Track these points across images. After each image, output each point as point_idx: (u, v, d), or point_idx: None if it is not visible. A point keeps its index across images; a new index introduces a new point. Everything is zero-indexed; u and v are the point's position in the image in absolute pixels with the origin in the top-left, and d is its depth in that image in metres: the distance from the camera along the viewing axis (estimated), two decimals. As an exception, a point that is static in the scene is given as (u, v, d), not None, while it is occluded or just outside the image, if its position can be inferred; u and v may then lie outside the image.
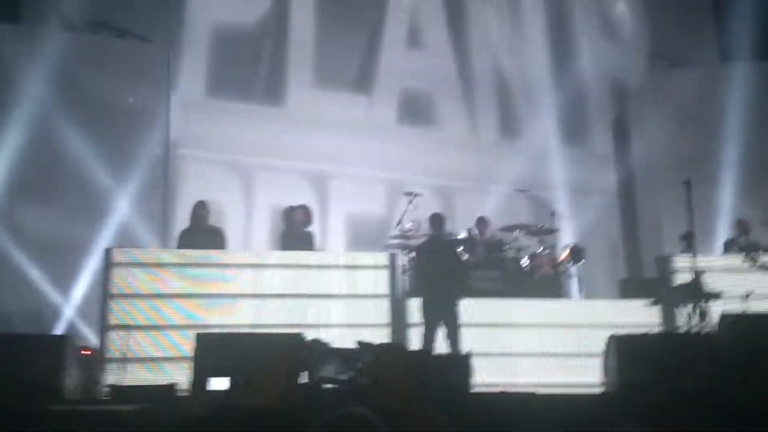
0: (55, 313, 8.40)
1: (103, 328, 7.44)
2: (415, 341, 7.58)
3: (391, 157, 10.97)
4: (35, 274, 8.65)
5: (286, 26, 11.08)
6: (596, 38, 12.57)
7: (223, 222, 8.68)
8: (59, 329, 8.43)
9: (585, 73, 12.35)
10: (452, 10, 11.95)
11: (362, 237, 10.53)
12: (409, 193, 9.60)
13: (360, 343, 1.70)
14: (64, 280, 8.87)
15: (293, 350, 1.72)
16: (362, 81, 11.26)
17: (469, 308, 7.80)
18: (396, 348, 1.75)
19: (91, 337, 7.48)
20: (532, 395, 5.76)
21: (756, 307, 6.93)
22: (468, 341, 7.46)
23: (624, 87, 12.51)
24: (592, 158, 12.19)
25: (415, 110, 11.38)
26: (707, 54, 12.35)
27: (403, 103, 11.43)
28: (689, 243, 7.44)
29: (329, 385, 1.72)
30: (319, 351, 1.70)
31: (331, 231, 10.63)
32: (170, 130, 10.28)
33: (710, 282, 7.23)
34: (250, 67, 10.76)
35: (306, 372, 1.70)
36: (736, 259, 8.25)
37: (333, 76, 10.95)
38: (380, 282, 8.07)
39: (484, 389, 6.13)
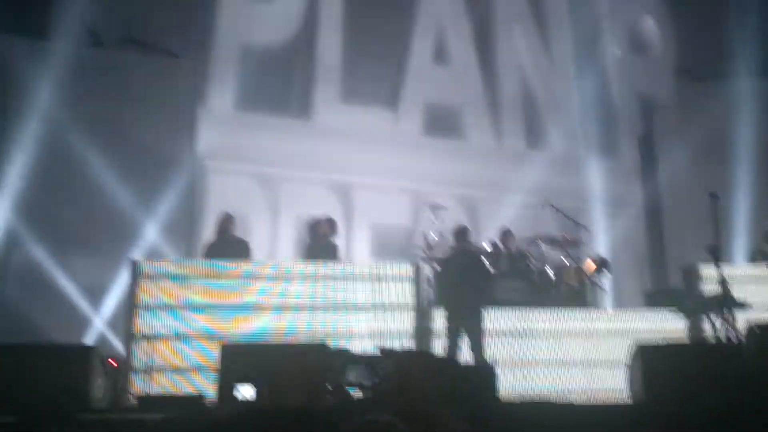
0: (84, 325, 8.51)
1: (129, 338, 7.54)
2: (439, 351, 7.58)
3: (416, 169, 11.03)
4: (66, 286, 8.79)
5: (314, 44, 11.20)
6: (624, 52, 12.52)
7: (248, 233, 8.76)
8: (88, 340, 8.55)
9: (612, 86, 12.31)
10: (479, 26, 12.02)
11: (387, 247, 10.60)
12: (433, 206, 9.66)
13: (383, 350, 1.71)
14: (95, 292, 9.00)
15: (317, 356, 1.75)
16: (389, 96, 11.35)
17: (494, 318, 7.81)
18: (419, 355, 1.75)
19: (119, 348, 7.56)
20: (557, 404, 5.74)
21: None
22: (493, 351, 7.46)
23: (651, 100, 12.44)
24: (619, 170, 12.14)
25: (441, 123, 11.43)
26: (732, 68, 12.27)
27: (428, 116, 11.49)
28: (715, 254, 7.37)
29: (354, 390, 1.74)
30: (343, 357, 1.72)
31: (356, 241, 10.70)
32: (199, 143, 10.43)
33: (737, 292, 7.15)
34: (278, 82, 10.90)
35: (330, 377, 1.72)
36: (763, 269, 8.16)
37: (360, 91, 11.06)
38: (405, 292, 8.09)
39: (510, 398, 6.12)
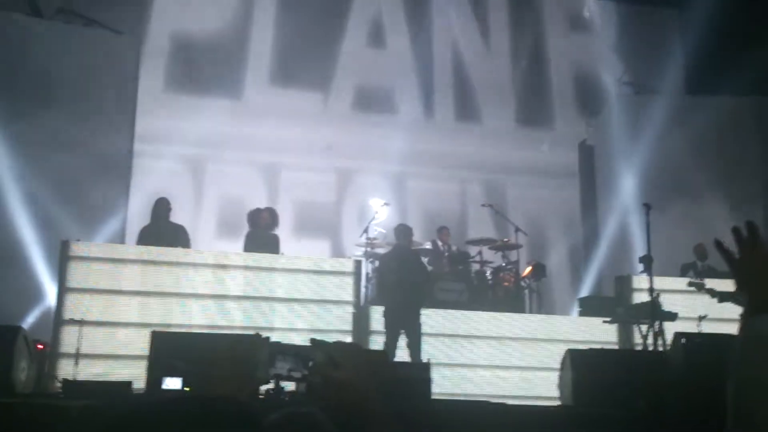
0: (10, 305, 8.20)
1: (58, 321, 7.31)
2: (375, 348, 7.58)
3: (343, 146, 11.15)
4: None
5: (248, 30, 11.25)
6: (564, 30, 12.72)
7: (174, 214, 8.58)
8: (13, 321, 8.24)
9: (550, 62, 12.53)
10: (414, 10, 12.09)
11: (309, 223, 10.66)
12: (377, 202, 9.68)
13: (313, 341, 1.68)
14: (22, 272, 8.68)
15: (246, 346, 1.70)
16: (321, 79, 11.41)
17: (431, 319, 7.86)
18: (350, 347, 1.72)
19: (46, 331, 7.31)
20: (489, 405, 5.81)
21: (709, 329, 7.09)
22: (429, 351, 7.50)
23: (589, 78, 12.64)
24: (553, 142, 12.30)
25: (370, 100, 11.54)
26: (673, 85, 12.67)
27: (359, 97, 11.57)
28: (647, 265, 7.57)
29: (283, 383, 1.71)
30: (272, 347, 1.68)
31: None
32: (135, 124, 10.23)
33: (666, 303, 7.36)
34: (211, 67, 10.91)
35: (259, 368, 1.68)
36: (691, 285, 8.43)
37: (291, 75, 11.13)
38: (344, 288, 8.07)
39: (443, 398, 6.16)
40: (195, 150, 10.55)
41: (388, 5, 11.94)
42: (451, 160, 11.45)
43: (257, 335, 1.70)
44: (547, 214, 11.84)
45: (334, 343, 1.70)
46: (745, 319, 1.44)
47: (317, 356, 1.62)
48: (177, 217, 8.66)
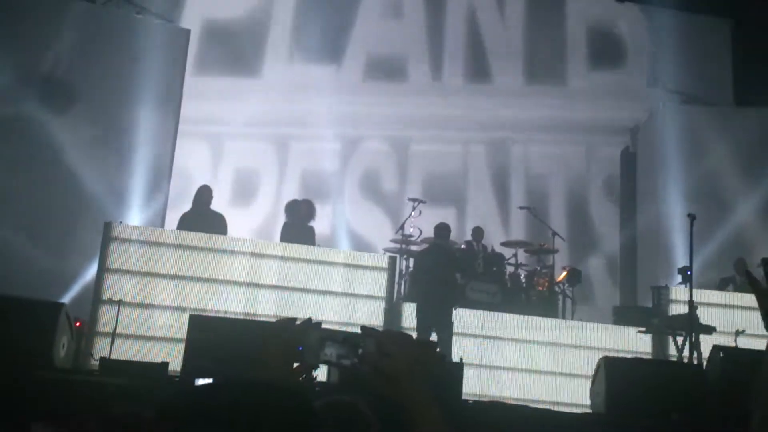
0: (54, 282, 8.38)
1: (97, 300, 7.45)
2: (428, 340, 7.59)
3: (353, 114, 11.40)
4: (38, 244, 8.62)
5: (269, 12, 11.65)
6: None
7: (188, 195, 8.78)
8: (55, 297, 8.41)
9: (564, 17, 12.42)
10: None
11: (315, 189, 10.84)
12: (413, 200, 9.68)
13: (364, 328, 1.65)
14: (66, 251, 8.85)
15: (295, 329, 1.68)
16: (335, 51, 11.68)
17: (463, 318, 7.85)
18: (401, 337, 1.68)
19: (86, 309, 7.45)
20: (521, 408, 5.79)
21: (746, 344, 6.98)
22: (460, 350, 7.50)
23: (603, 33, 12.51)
24: (565, 97, 12.19)
25: (381, 69, 11.74)
26: (722, 96, 12.45)
27: (371, 66, 11.79)
28: (686, 276, 7.47)
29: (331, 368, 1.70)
30: (322, 333, 1.66)
31: (286, 186, 11.15)
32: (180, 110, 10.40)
33: (703, 316, 7.26)
34: (235, 49, 11.36)
35: (308, 353, 1.66)
36: (730, 297, 8.30)
37: (307, 49, 11.49)
38: (378, 283, 8.09)
39: (474, 398, 6.15)
40: (217, 128, 11.06)
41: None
42: (457, 121, 11.62)
43: (308, 319, 1.68)
44: (553, 172, 11.89)
45: (385, 331, 1.67)
46: None
47: (367, 344, 1.59)
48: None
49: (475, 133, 11.70)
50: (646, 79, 12.53)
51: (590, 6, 12.47)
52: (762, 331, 5.62)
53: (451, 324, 7.61)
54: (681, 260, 8.07)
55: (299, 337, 1.66)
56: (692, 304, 6.95)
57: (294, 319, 1.72)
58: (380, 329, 1.67)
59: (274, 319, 7.51)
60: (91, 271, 8.02)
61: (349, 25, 11.73)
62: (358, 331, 1.67)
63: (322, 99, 11.24)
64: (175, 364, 5.99)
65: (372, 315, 7.96)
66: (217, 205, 9.36)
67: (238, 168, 11.06)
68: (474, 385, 7.50)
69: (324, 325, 1.68)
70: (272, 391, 1.36)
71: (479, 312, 8.20)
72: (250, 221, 10.71)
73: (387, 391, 1.57)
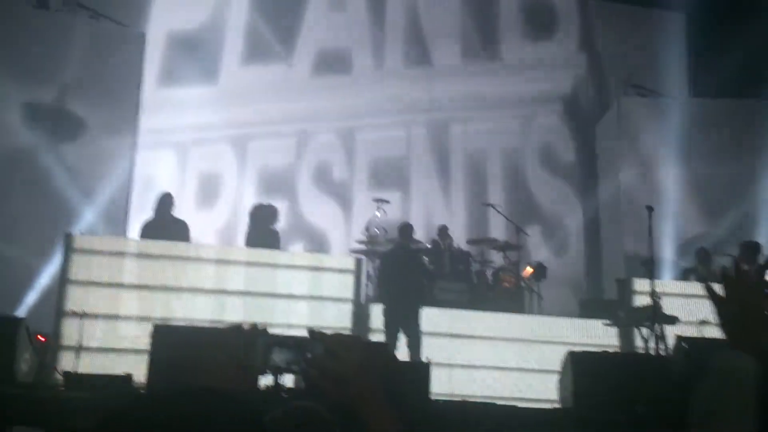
0: (12, 297, 8.21)
1: (59, 314, 7.31)
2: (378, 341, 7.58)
3: (304, 110, 11.78)
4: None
5: (224, 21, 12.01)
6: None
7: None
8: (16, 312, 8.25)
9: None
10: None
11: (272, 186, 11.34)
12: (378, 200, 9.69)
13: (311, 332, 1.62)
14: (24, 265, 8.68)
15: (242, 337, 1.65)
16: (284, 51, 12.10)
17: (431, 318, 7.85)
18: (349, 339, 1.66)
19: (48, 323, 7.31)
20: (489, 406, 5.81)
21: (710, 333, 7.08)
22: (429, 350, 7.50)
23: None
24: (497, 70, 12.53)
25: (328, 63, 12.14)
26: (678, 88, 12.70)
27: (319, 61, 12.15)
28: (649, 268, 7.57)
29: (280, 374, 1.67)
30: (268, 338, 1.62)
31: (245, 186, 11.50)
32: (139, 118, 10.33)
33: (667, 307, 7.36)
34: (193, 57, 11.64)
35: (255, 359, 1.62)
36: (694, 287, 8.43)
37: (260, 52, 11.91)
38: (345, 286, 8.07)
39: (443, 398, 6.16)
40: (182, 136, 11.37)
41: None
42: (399, 106, 12.02)
43: (252, 325, 1.64)
44: (491, 147, 12.26)
45: (333, 334, 1.65)
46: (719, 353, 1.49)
47: (315, 348, 1.57)
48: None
49: (416, 116, 12.11)
50: (576, 45, 12.80)
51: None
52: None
53: (418, 324, 7.61)
54: (643, 252, 8.15)
55: (243, 343, 1.63)
56: (654, 296, 7.04)
57: (240, 325, 1.68)
58: (329, 332, 1.64)
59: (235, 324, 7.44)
60: (45, 282, 7.91)
61: (298, 22, 12.09)
62: (314, 329, 1.64)
63: (275, 98, 11.68)
64: (143, 376, 5.90)
65: (340, 318, 7.94)
66: (184, 209, 9.41)
67: (201, 173, 11.31)
68: (444, 385, 7.51)
69: (291, 330, 1.65)
70: (218, 401, 1.33)
71: (447, 311, 8.21)
72: (214, 223, 10.93)
73: (337, 394, 1.55)
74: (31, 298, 8.40)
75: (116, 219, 9.71)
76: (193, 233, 9.72)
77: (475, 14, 12.66)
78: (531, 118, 12.42)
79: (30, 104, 9.38)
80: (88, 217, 9.23)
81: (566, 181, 12.31)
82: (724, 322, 1.60)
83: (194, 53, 11.55)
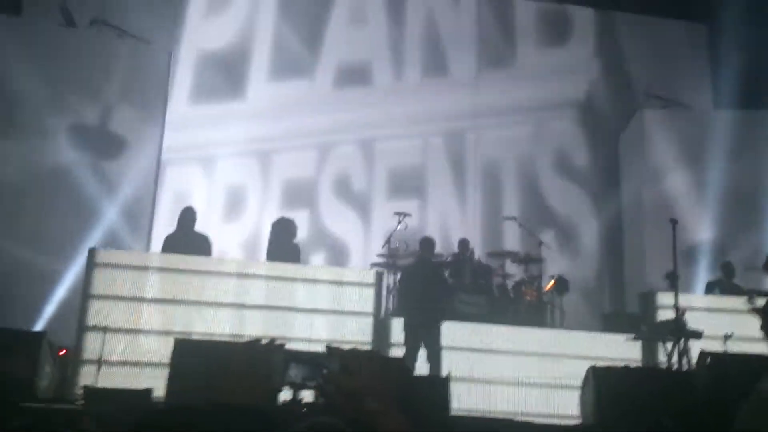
0: (35, 310, 8.32)
1: (81, 328, 7.37)
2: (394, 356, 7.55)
3: (325, 123, 11.93)
4: (20, 269, 8.57)
5: (252, 38, 12.15)
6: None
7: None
8: (38, 326, 8.35)
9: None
10: None
11: (294, 198, 11.55)
12: (398, 213, 9.67)
13: (329, 347, 1.62)
14: (48, 278, 8.79)
15: (261, 353, 1.65)
16: (308, 65, 12.25)
17: (452, 332, 7.81)
18: (365, 354, 1.65)
19: (69, 337, 7.38)
20: (509, 422, 5.75)
21: (735, 348, 6.97)
22: (449, 365, 7.46)
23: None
24: (513, 79, 12.63)
25: (349, 76, 12.27)
26: (701, 99, 12.62)
27: (339, 73, 12.28)
28: (672, 281, 7.47)
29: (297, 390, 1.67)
30: (286, 354, 1.62)
31: (269, 198, 11.61)
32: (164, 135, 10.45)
33: (691, 321, 7.25)
34: (222, 75, 11.86)
35: (273, 375, 1.63)
36: (718, 300, 8.31)
37: (285, 68, 12.07)
38: (365, 299, 8.06)
39: (463, 413, 6.11)
40: (211, 150, 11.49)
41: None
42: (416, 117, 12.18)
43: (271, 341, 1.64)
44: (508, 154, 12.35)
45: (350, 350, 1.64)
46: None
47: (332, 364, 1.57)
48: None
49: (433, 126, 12.29)
50: (592, 50, 12.86)
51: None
52: (750, 333, 5.62)
53: (439, 338, 7.57)
54: (667, 265, 8.05)
55: (263, 359, 1.63)
56: (678, 310, 6.95)
57: (258, 340, 1.68)
58: (346, 348, 1.64)
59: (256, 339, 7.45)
60: (65, 296, 8.00)
61: (320, 37, 12.29)
62: (331, 345, 1.64)
63: (299, 112, 11.87)
64: (163, 390, 5.93)
65: (360, 331, 7.91)
66: (210, 223, 9.48)
67: (227, 186, 11.49)
68: (465, 400, 7.47)
69: (312, 344, 1.66)
70: (237, 416, 1.34)
71: (468, 325, 8.16)
72: (240, 236, 11.03)
73: (353, 410, 1.54)
74: (54, 310, 8.49)
75: (140, 233, 9.82)
76: (220, 247, 9.99)
77: (491, 24, 12.85)
78: (544, 124, 12.54)
79: (74, 126, 9.53)
80: (112, 231, 9.33)
81: (580, 186, 12.35)
82: None
83: (223, 70, 11.80)
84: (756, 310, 6.85)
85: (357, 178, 11.97)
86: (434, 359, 7.45)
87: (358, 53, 12.38)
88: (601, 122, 12.64)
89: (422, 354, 7.51)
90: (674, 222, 7.23)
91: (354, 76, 12.27)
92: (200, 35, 11.87)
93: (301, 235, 9.76)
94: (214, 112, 11.53)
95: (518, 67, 12.77)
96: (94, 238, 8.88)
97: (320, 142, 11.97)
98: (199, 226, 8.42)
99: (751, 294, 7.05)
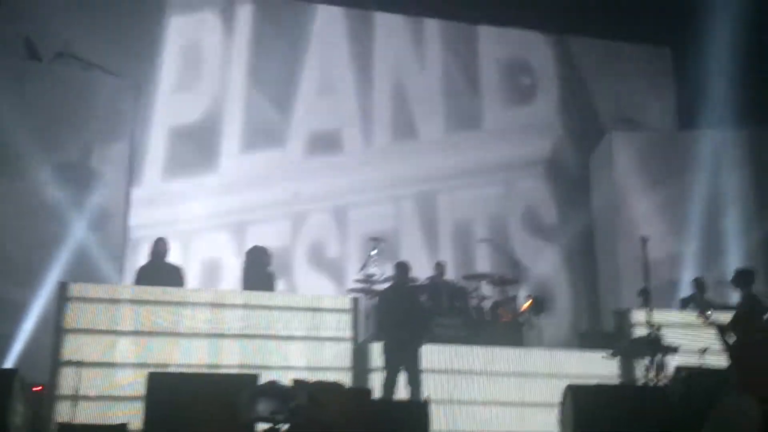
0: (4, 345, 8.19)
1: (55, 363, 7.26)
2: (376, 386, 7.53)
3: (296, 193, 11.96)
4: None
5: (222, 112, 12.12)
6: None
7: None
8: (7, 363, 8.21)
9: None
10: (358, 47, 12.86)
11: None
12: (374, 239, 9.71)
13: (295, 381, 1.65)
14: (15, 311, 8.66)
15: (226, 388, 1.67)
16: (280, 136, 12.24)
17: (430, 354, 7.82)
18: (332, 387, 1.69)
19: (42, 373, 7.26)
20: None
21: (711, 362, 7.04)
22: (429, 388, 7.45)
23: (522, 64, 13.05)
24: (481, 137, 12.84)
25: (319, 144, 12.33)
26: (666, 120, 12.90)
27: (309, 144, 12.32)
28: (645, 298, 7.56)
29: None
30: (254, 389, 1.65)
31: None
32: (132, 165, 10.41)
33: (667, 336, 7.33)
34: (194, 150, 11.83)
35: (241, 409, 1.65)
36: (692, 316, 8.41)
37: (256, 140, 12.07)
38: (343, 325, 8.05)
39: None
40: (186, 226, 11.31)
41: (335, 52, 12.76)
42: (387, 181, 12.33)
43: (241, 376, 1.66)
44: (476, 215, 12.43)
45: (316, 382, 1.68)
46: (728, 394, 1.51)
47: (299, 397, 1.59)
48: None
49: (404, 190, 12.39)
50: (555, 107, 13.09)
51: (501, 45, 13.29)
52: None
53: (418, 361, 7.57)
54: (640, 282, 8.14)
55: (230, 395, 1.65)
56: (652, 326, 7.02)
57: (228, 376, 1.70)
58: (312, 381, 1.67)
59: (238, 370, 7.41)
60: (34, 330, 7.90)
61: (290, 108, 12.33)
62: (298, 378, 1.66)
63: (271, 182, 11.93)
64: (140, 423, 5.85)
65: (338, 357, 7.90)
66: None
67: (203, 260, 11.39)
68: (446, 423, 7.46)
69: (291, 372, 1.69)
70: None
71: (446, 347, 8.18)
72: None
73: None
74: (23, 345, 8.38)
75: (112, 266, 9.72)
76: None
77: (456, 82, 13.03)
78: (514, 182, 12.71)
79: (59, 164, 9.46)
80: (83, 264, 9.23)
81: (549, 242, 12.46)
82: (738, 366, 1.62)
83: (194, 145, 11.83)
84: (713, 325, 6.97)
85: (330, 245, 11.98)
86: (414, 382, 7.45)
87: (328, 121, 12.46)
88: (571, 175, 12.80)
89: (402, 377, 7.50)
90: (644, 240, 7.35)
91: (325, 143, 12.35)
92: (171, 112, 11.84)
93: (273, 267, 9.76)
94: (186, 186, 11.52)
95: (485, 127, 12.93)
96: (58, 270, 8.78)
97: (293, 212, 12.03)
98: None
99: (704, 309, 7.17)
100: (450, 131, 12.76)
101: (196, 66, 12.11)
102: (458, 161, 12.51)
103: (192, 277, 10.75)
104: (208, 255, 11.40)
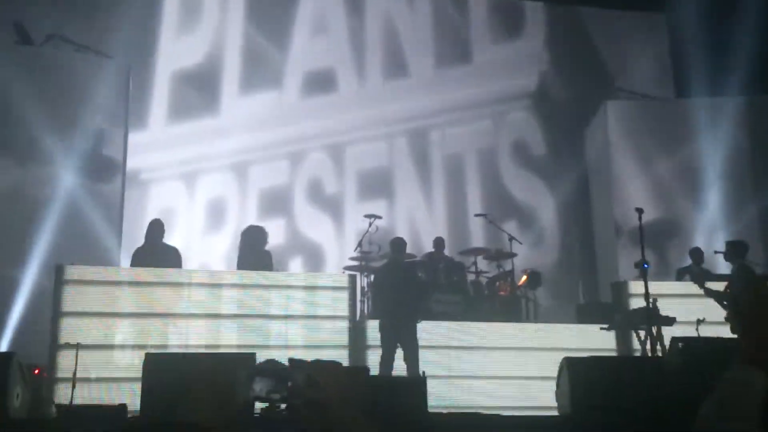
0: (6, 330, 8.21)
1: (53, 346, 7.28)
2: (374, 363, 7.55)
3: (295, 132, 12.24)
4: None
5: (222, 56, 12.39)
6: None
7: (169, 231, 8.75)
8: (4, 346, 8.23)
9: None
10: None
11: (270, 207, 11.81)
12: (369, 216, 9.67)
13: (291, 360, 1.63)
14: (11, 294, 8.66)
15: (222, 368, 1.66)
16: (276, 78, 12.46)
17: (429, 331, 7.83)
18: (328, 366, 1.67)
19: (40, 355, 7.27)
20: (487, 417, 5.77)
21: (707, 332, 7.06)
22: (427, 363, 7.47)
23: None
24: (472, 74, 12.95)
25: (315, 85, 12.51)
26: (663, 89, 12.82)
27: (305, 83, 12.50)
28: (642, 270, 7.55)
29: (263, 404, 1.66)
30: (250, 369, 1.63)
31: (247, 208, 11.85)
32: (127, 147, 10.35)
33: (664, 308, 7.34)
34: (196, 93, 12.11)
35: (237, 390, 1.63)
36: (689, 286, 8.42)
37: (254, 82, 12.29)
38: (340, 303, 8.05)
39: (440, 410, 6.13)
40: (190, 167, 11.71)
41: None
42: (381, 119, 12.56)
43: (238, 356, 1.66)
44: (469, 149, 12.71)
45: (313, 362, 1.66)
46: (733, 365, 1.50)
47: (296, 377, 1.58)
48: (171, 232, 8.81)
49: (397, 127, 12.62)
50: (542, 42, 13.18)
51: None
52: (721, 318, 5.68)
53: (416, 338, 7.59)
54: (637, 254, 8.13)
55: (227, 376, 1.64)
56: (649, 297, 7.03)
57: (225, 357, 1.69)
58: (309, 360, 1.65)
59: (236, 350, 7.42)
60: (29, 312, 7.91)
61: (286, 49, 12.52)
62: (294, 357, 1.65)
63: (270, 124, 12.17)
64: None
65: (336, 335, 7.91)
66: (193, 236, 9.16)
67: (208, 200, 11.70)
68: (445, 398, 7.49)
69: (289, 351, 1.67)
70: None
71: (444, 323, 8.19)
72: (221, 247, 11.15)
73: (319, 422, 1.55)
74: (19, 327, 8.39)
75: (110, 248, 9.70)
76: (203, 259, 10.69)
77: (446, 22, 13.13)
78: (503, 116, 12.89)
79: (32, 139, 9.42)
80: (81, 247, 9.20)
81: (537, 174, 12.66)
82: (743, 335, 1.61)
83: (196, 89, 12.06)
84: (710, 293, 7.00)
85: (328, 183, 12.22)
86: (412, 359, 7.47)
87: (322, 61, 12.62)
88: (558, 110, 12.91)
89: (399, 354, 7.52)
90: (640, 211, 7.33)
91: (319, 84, 12.50)
92: (172, 57, 12.07)
93: (279, 241, 9.92)
94: (191, 129, 11.78)
95: (474, 62, 13.08)
96: (52, 252, 8.77)
97: (292, 151, 12.25)
98: (183, 241, 8.35)
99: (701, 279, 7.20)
100: (440, 68, 12.93)
101: (197, 9, 12.31)
102: (448, 98, 12.75)
103: (198, 218, 11.52)
104: (213, 196, 11.72)
